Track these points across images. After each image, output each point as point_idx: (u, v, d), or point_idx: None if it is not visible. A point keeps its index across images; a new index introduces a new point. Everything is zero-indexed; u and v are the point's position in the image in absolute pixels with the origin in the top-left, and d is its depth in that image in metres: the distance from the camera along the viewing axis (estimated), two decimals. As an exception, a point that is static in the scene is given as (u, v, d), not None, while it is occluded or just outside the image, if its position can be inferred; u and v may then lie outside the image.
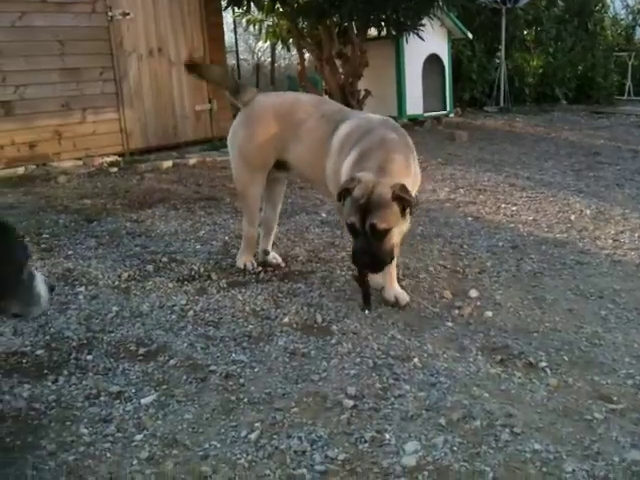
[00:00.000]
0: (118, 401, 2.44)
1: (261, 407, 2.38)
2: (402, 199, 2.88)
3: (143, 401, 2.43)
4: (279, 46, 9.99)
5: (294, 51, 10.59)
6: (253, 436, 2.20)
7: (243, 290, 3.49)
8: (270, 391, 2.48)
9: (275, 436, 2.21)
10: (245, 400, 2.43)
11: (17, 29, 6.84)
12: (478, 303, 3.31)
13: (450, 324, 3.07)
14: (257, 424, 2.27)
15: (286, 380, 2.57)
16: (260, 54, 14.35)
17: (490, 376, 2.58)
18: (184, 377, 2.59)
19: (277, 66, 14.06)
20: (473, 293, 3.43)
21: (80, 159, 7.11)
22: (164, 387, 2.54)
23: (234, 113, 8.83)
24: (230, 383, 2.55)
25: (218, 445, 2.17)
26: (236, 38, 12.47)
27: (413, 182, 3.13)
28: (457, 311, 3.21)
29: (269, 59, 14.60)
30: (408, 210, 2.93)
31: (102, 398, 2.45)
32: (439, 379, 2.54)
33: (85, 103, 7.35)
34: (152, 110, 7.93)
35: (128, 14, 7.59)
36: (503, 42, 12.77)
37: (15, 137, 6.79)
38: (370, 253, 2.92)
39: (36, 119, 6.94)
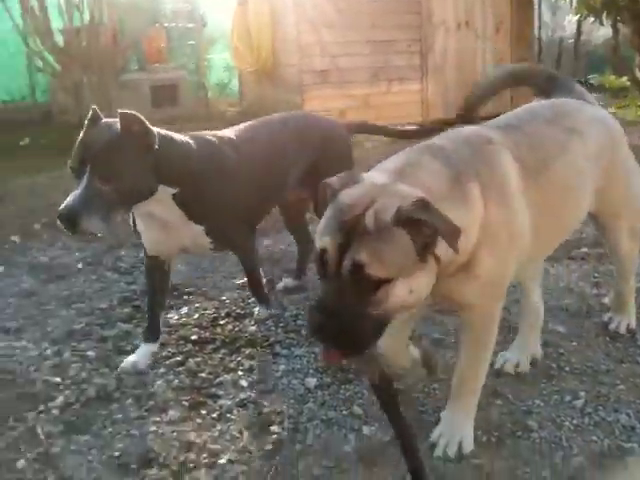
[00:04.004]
0: (439, 347, 2.59)
1: (584, 378, 2.35)
2: (418, 225, 1.56)
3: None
4: (588, 19, 9.38)
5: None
6: (578, 403, 2.19)
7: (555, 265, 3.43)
8: (592, 365, 2.43)
9: (601, 407, 2.17)
10: (567, 369, 2.41)
11: (335, 2, 7.35)
12: None
13: None
14: (581, 393, 2.25)
15: (608, 357, 2.49)
16: (564, 28, 13.66)
17: None
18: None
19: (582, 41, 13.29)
20: None
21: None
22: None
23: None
24: (549, 350, 2.54)
25: (541, 404, 2.20)
26: (540, 11, 12.02)
27: (467, 213, 1.76)
28: None
29: (568, 33, 13.84)
30: (433, 248, 1.61)
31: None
32: None
33: (391, 74, 7.69)
34: (454, 83, 8.02)
35: (440, -13, 7.74)
36: None
37: (328, 103, 7.35)
38: (339, 316, 1.57)
39: (347, 87, 7.43)
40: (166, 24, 9.40)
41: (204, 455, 2.02)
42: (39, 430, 2.18)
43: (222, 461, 1.99)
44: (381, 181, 1.66)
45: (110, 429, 2.18)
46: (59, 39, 7.60)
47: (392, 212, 1.54)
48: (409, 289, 1.58)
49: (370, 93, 7.56)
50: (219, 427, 2.17)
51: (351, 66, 7.46)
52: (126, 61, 8.41)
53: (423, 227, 1.55)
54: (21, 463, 2.01)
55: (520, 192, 1.93)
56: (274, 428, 2.13)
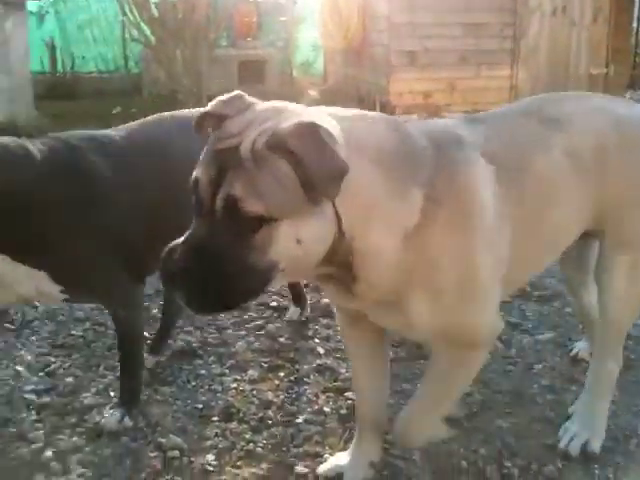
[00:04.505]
0: (516, 332, 2.60)
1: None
2: (296, 154, 1.24)
3: (541, 337, 2.54)
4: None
5: None
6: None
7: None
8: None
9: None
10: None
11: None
12: None
13: None
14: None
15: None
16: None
17: None
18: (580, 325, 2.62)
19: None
20: None
21: (468, 112, 7.39)
22: (559, 329, 2.62)
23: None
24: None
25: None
26: (641, 1, 11.51)
27: (397, 210, 1.43)
28: None
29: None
30: (325, 186, 1.26)
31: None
32: None
33: (481, 58, 7.57)
34: (545, 69, 7.83)
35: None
36: None
37: (414, 86, 7.31)
38: (209, 262, 1.30)
39: (434, 70, 7.37)
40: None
41: (281, 414, 2.11)
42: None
43: (299, 420, 2.08)
44: (280, 107, 1.36)
45: (193, 383, 2.30)
46: (155, 11, 7.83)
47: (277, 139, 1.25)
48: (296, 236, 1.29)
49: (457, 77, 7.47)
50: (296, 389, 2.26)
51: (440, 48, 7.38)
52: (218, 36, 8.58)
53: (304, 158, 1.23)
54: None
55: (493, 205, 1.52)
56: (349, 394, 2.19)
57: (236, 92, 1.41)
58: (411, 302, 1.48)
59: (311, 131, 1.25)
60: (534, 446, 1.96)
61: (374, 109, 7.32)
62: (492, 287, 1.57)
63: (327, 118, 1.34)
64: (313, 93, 8.76)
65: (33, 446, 1.95)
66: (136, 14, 7.72)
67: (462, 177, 1.51)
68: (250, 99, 1.39)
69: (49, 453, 1.91)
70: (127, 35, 8.85)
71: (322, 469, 1.87)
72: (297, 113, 1.33)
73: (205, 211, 1.30)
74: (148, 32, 7.92)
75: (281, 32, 9.99)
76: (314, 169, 1.23)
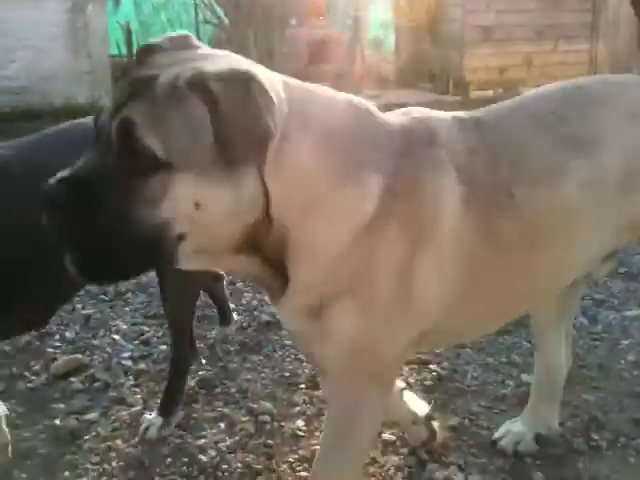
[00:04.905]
0: (602, 308, 2.57)
1: None
2: (216, 100, 1.07)
3: (628, 313, 2.51)
4: None
5: None
6: None
7: None
8: None
9: None
10: None
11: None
12: None
13: None
14: None
15: None
16: None
17: None
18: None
19: None
20: None
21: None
22: (648, 306, 2.60)
23: None
24: None
25: None
26: None
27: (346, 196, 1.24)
28: None
29: None
30: (240, 147, 1.09)
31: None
32: None
33: (559, 32, 7.37)
34: (626, 45, 7.52)
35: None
36: None
37: (489, 61, 7.18)
38: (86, 196, 1.10)
39: (510, 45, 7.21)
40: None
41: (367, 383, 2.16)
42: (218, 348, 2.41)
43: (384, 390, 2.12)
44: (224, 54, 1.22)
45: (280, 352, 2.37)
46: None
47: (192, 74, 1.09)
48: (195, 197, 1.09)
49: (534, 51, 7.30)
50: (380, 361, 2.30)
51: (516, 23, 7.22)
52: (289, 16, 8.62)
53: (220, 109, 1.06)
54: (203, 373, 2.25)
55: (452, 230, 1.28)
56: (433, 367, 2.22)
57: (186, 32, 1.25)
58: (337, 311, 1.26)
59: (242, 79, 1.08)
60: (622, 420, 1.95)
61: (447, 85, 7.25)
62: (424, 316, 1.32)
63: (273, 79, 1.17)
64: (384, 70, 8.72)
65: (132, 409, 2.06)
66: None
67: (429, 180, 1.28)
68: (198, 43, 1.23)
69: (148, 415, 2.02)
70: (200, 17, 9.01)
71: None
72: (239, 62, 1.17)
73: (101, 142, 1.11)
74: (222, 14, 8.05)
75: (350, 10, 9.94)
76: (231, 122, 1.06)
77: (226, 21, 8.08)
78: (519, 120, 1.42)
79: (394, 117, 1.36)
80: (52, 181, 1.09)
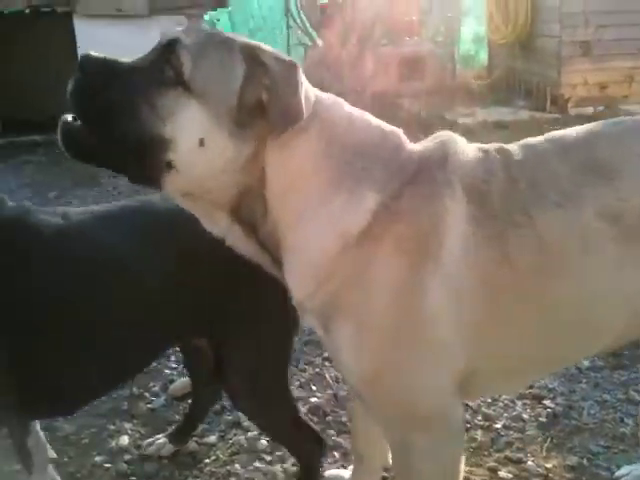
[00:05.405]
0: None
1: None
2: (259, 71, 1.20)
3: None
4: None
5: None
6: None
7: None
8: None
9: None
10: None
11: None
12: None
13: None
14: None
15: None
16: None
17: None
18: None
19: None
20: None
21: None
22: None
23: None
24: None
25: None
26: None
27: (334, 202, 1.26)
28: None
29: None
30: (275, 117, 1.20)
31: None
32: None
33: (663, 46, 7.07)
34: None
35: None
36: None
37: (588, 77, 6.98)
38: (108, 79, 1.21)
39: (610, 60, 6.98)
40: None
41: (479, 417, 2.14)
42: (327, 375, 2.45)
43: (497, 425, 2.10)
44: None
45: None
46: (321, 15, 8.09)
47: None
48: (202, 132, 1.17)
49: (636, 67, 7.03)
50: (491, 393, 2.28)
51: (617, 37, 6.97)
52: (381, 35, 8.67)
53: (263, 77, 1.19)
54: (315, 400, 2.29)
55: (459, 249, 1.23)
56: (547, 402, 2.19)
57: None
58: (338, 332, 1.26)
59: (291, 64, 1.21)
60: None
61: (545, 101, 7.09)
62: (445, 348, 1.25)
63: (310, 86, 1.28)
64: (476, 87, 8.62)
65: (249, 434, 2.13)
66: (304, 19, 8.02)
67: (431, 200, 1.26)
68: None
69: (264, 442, 2.08)
70: (293, 40, 9.21)
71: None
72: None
73: (153, 49, 1.23)
74: (315, 36, 8.20)
75: (441, 27, 9.90)
76: (277, 95, 1.17)
77: (320, 43, 8.21)
78: (544, 146, 1.37)
79: (425, 143, 1.37)
80: (93, 54, 1.20)
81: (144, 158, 1.18)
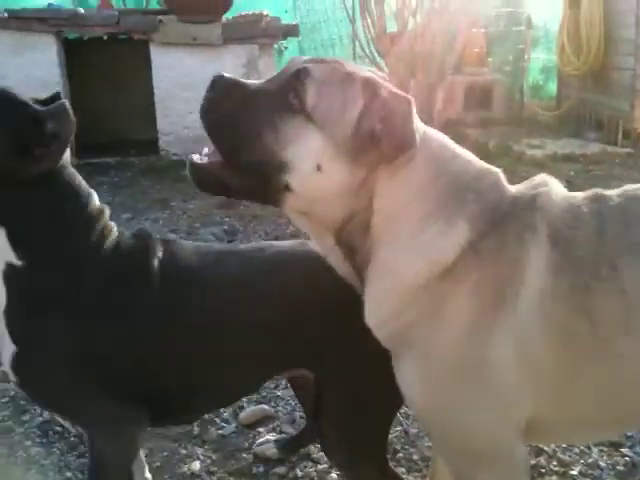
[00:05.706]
0: None
1: None
2: (375, 103, 1.27)
3: None
4: None
5: None
6: None
7: None
8: None
9: None
10: None
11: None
12: None
13: None
14: None
15: None
16: None
17: None
18: None
19: None
20: None
21: None
22: None
23: None
24: None
25: None
26: None
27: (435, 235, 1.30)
28: None
29: None
30: (388, 147, 1.26)
31: None
32: None
33: None
34: None
35: None
36: None
37: (663, 111, 6.81)
38: (233, 99, 1.31)
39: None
40: (487, 28, 9.47)
41: (554, 463, 2.10)
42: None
43: (573, 472, 2.05)
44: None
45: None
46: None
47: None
48: (320, 158, 1.25)
49: None
50: (566, 438, 2.22)
51: (695, 70, 6.80)
52: (449, 65, 8.69)
53: (380, 109, 1.24)
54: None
55: (537, 296, 1.23)
56: (625, 450, 2.12)
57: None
58: (402, 363, 1.32)
59: (406, 100, 1.26)
60: None
61: (616, 135, 6.94)
62: (508, 392, 1.26)
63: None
64: (545, 118, 8.51)
65: (319, 466, 2.13)
66: (372, 49, 8.09)
67: (514, 245, 1.26)
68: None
69: (334, 475, 2.08)
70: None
71: None
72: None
73: (280, 75, 1.33)
74: (382, 63, 8.25)
75: (509, 57, 9.83)
76: (392, 125, 1.23)
77: (386, 70, 8.26)
78: None
79: (521, 185, 1.39)
80: (225, 75, 1.31)
81: (265, 179, 1.28)
